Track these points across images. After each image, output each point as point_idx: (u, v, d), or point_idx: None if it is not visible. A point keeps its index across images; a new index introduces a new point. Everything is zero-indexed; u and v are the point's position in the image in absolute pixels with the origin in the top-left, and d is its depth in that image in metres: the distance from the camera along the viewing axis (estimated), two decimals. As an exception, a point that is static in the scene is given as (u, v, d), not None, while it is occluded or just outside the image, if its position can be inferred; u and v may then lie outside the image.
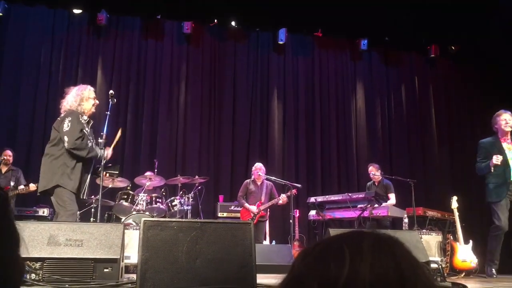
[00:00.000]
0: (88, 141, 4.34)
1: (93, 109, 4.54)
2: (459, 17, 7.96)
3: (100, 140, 4.27)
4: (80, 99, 4.46)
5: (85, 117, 4.46)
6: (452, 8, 7.74)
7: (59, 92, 7.89)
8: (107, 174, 4.74)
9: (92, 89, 4.65)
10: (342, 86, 9.36)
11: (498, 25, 7.88)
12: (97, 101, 4.58)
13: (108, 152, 4.49)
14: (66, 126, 4.26)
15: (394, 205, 6.90)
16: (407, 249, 0.75)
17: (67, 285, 3.05)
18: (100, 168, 4.46)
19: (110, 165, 4.78)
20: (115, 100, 4.54)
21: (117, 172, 4.89)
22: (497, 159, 5.14)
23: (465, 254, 6.30)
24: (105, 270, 3.19)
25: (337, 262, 0.68)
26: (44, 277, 3.09)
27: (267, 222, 7.33)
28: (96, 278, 3.15)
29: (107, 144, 4.50)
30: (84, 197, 4.44)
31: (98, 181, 4.71)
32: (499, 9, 7.61)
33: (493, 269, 5.26)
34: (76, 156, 4.25)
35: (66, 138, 4.22)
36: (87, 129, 4.41)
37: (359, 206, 6.75)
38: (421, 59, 9.67)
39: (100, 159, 4.39)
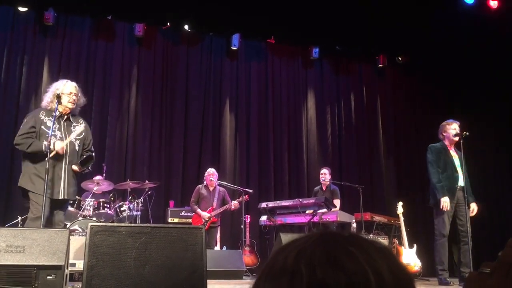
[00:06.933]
0: (53, 138, 3.96)
1: (69, 105, 4.14)
2: (407, 28, 8.26)
3: (44, 143, 3.99)
4: (53, 95, 4.10)
5: (57, 113, 4.06)
6: (400, 19, 8.03)
7: (1, 93, 7.58)
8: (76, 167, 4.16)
9: (70, 83, 4.24)
10: (294, 93, 9.49)
11: (443, 38, 8.23)
12: (74, 97, 4.16)
13: (56, 143, 3.99)
14: (23, 123, 4.10)
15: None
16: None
17: (7, 294, 2.91)
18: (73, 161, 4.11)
19: (84, 156, 4.25)
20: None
21: (85, 163, 4.18)
22: (446, 204, 5.12)
23: (410, 258, 6.54)
24: (49, 277, 3.06)
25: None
26: (-19, 285, 2.93)
27: (219, 228, 7.31)
28: (39, 286, 3.02)
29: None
30: (64, 197, 4.04)
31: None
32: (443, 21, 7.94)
33: (446, 277, 5.14)
34: (23, 152, 4.02)
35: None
36: (51, 125, 4.02)
37: (308, 211, 6.85)
38: (370, 69, 9.96)
39: (47, 153, 3.88)
